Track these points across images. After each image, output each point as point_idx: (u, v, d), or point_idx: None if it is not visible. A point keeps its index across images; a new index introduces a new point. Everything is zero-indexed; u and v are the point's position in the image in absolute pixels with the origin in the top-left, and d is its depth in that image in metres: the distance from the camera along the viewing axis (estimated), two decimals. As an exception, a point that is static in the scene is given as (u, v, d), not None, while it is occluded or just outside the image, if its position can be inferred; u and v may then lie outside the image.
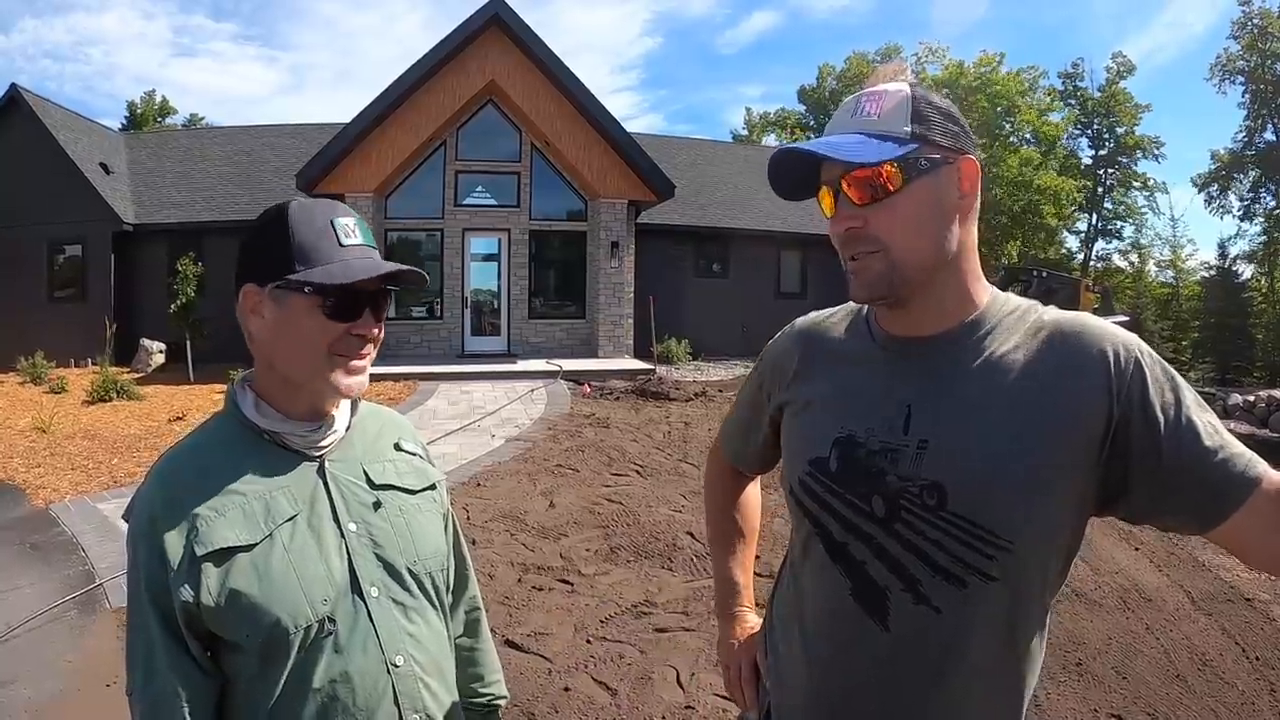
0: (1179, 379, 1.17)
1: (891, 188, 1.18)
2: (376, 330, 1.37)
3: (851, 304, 1.42)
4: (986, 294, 1.28)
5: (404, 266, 1.36)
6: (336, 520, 1.35)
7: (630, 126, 19.72)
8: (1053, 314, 1.25)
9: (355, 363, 1.35)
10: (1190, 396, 1.15)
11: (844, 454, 1.30)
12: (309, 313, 1.30)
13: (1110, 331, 1.19)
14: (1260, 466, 1.11)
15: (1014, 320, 1.24)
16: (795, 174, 1.30)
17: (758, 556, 1.96)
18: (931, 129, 1.20)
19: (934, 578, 1.20)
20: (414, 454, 1.55)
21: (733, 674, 1.64)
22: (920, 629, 1.22)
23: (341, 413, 1.44)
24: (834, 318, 1.47)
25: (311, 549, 1.30)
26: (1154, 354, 1.18)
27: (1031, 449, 1.14)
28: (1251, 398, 14.20)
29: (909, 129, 1.18)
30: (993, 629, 1.21)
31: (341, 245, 1.32)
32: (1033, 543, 1.17)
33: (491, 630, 4.48)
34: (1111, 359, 1.15)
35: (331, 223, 1.33)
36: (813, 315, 1.52)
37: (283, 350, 1.34)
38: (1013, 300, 1.29)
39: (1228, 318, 26.77)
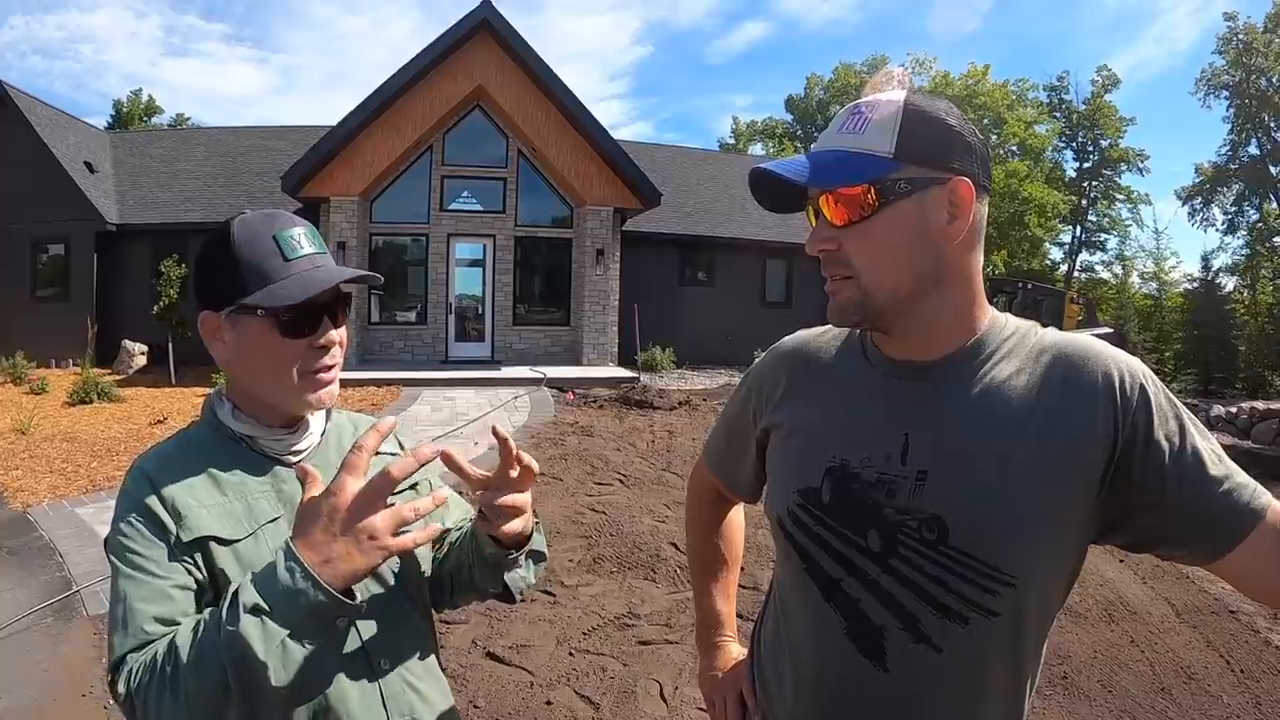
0: (1182, 407, 1.13)
1: (865, 212, 1.13)
2: (338, 336, 1.37)
3: None
4: (986, 317, 1.22)
5: (356, 272, 1.36)
6: None
7: (619, 134, 19.84)
8: (1053, 336, 1.21)
9: (323, 375, 1.35)
10: (1194, 425, 1.12)
11: (837, 484, 1.23)
12: (266, 334, 1.30)
13: (1114, 356, 1.15)
14: (1265, 497, 1.08)
15: (1014, 343, 1.20)
16: (776, 189, 1.23)
17: (742, 569, 1.92)
18: (920, 147, 1.12)
19: (934, 615, 1.15)
20: (393, 454, 1.53)
21: (719, 709, 1.58)
22: (920, 669, 1.17)
23: (316, 419, 1.44)
24: (825, 336, 1.41)
25: None
26: (1158, 380, 1.14)
27: (1036, 480, 1.10)
28: (1234, 409, 14.30)
29: (893, 147, 1.11)
30: (995, 664, 1.17)
31: (287, 260, 1.31)
32: (1037, 576, 1.13)
33: (473, 643, 4.45)
34: (1117, 385, 1.11)
35: (275, 237, 1.31)
36: (802, 334, 1.46)
37: (248, 372, 1.35)
38: (1011, 322, 1.24)
39: (1210, 330, 26.89)
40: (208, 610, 1.11)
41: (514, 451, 1.28)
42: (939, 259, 1.16)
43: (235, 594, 1.07)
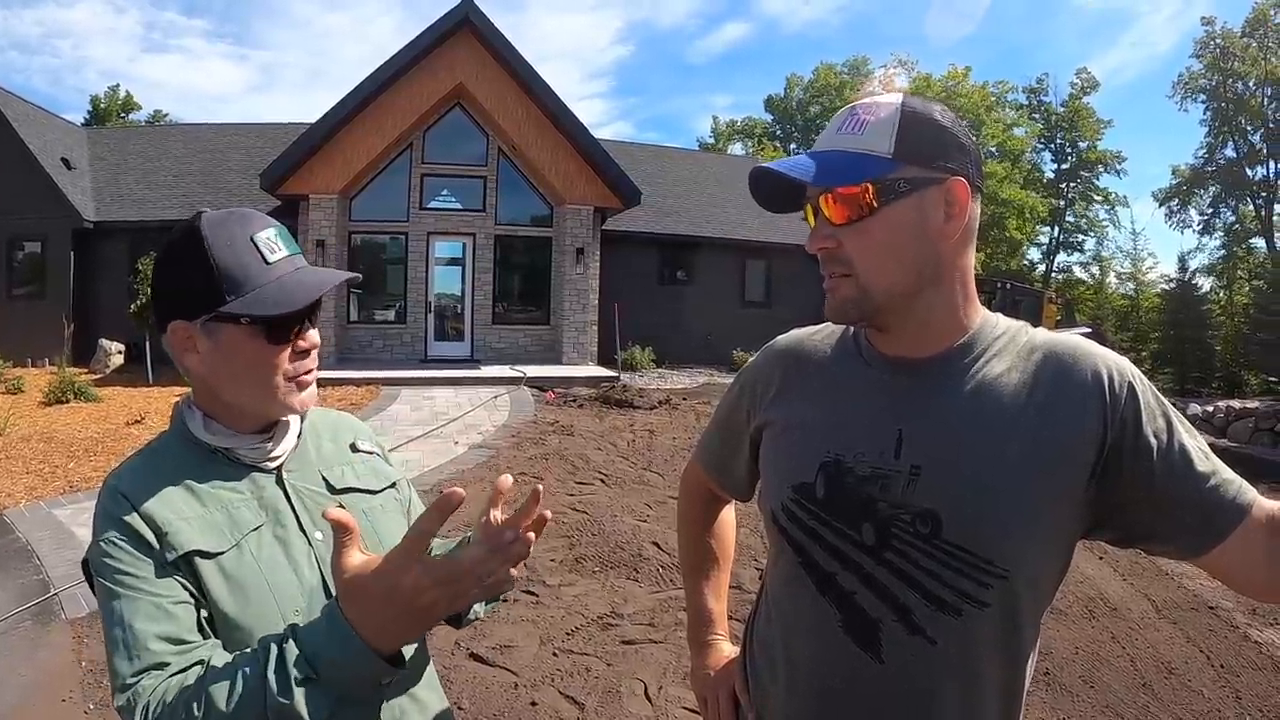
0: (1169, 405, 1.15)
1: (865, 211, 1.15)
2: (317, 337, 1.35)
3: None
4: (978, 315, 1.24)
5: (345, 275, 1.34)
6: (303, 530, 1.31)
7: (599, 133, 19.83)
8: (1043, 335, 1.23)
9: (305, 377, 1.32)
10: (1181, 423, 1.14)
11: (831, 479, 1.25)
12: (248, 341, 1.25)
13: (1103, 355, 1.17)
14: (1250, 494, 1.11)
15: (1005, 342, 1.22)
16: (775, 189, 1.26)
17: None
18: (917, 148, 1.14)
19: (928, 607, 1.16)
20: (371, 453, 1.53)
21: (711, 706, 1.59)
22: (914, 660, 1.18)
23: (292, 422, 1.40)
24: (818, 335, 1.42)
25: (280, 558, 1.26)
26: (1145, 379, 1.16)
27: (1028, 475, 1.12)
28: (1210, 408, 14.47)
29: (892, 148, 1.14)
30: (988, 655, 1.18)
31: (268, 263, 1.25)
32: (1028, 569, 1.15)
33: (455, 644, 4.43)
34: (1106, 383, 1.13)
35: (252, 239, 1.26)
36: (795, 333, 1.47)
37: (227, 381, 1.28)
38: (1002, 321, 1.26)
39: (1187, 329, 27.10)
40: (245, 658, 1.07)
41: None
42: (936, 257, 1.18)
43: (282, 658, 1.04)
